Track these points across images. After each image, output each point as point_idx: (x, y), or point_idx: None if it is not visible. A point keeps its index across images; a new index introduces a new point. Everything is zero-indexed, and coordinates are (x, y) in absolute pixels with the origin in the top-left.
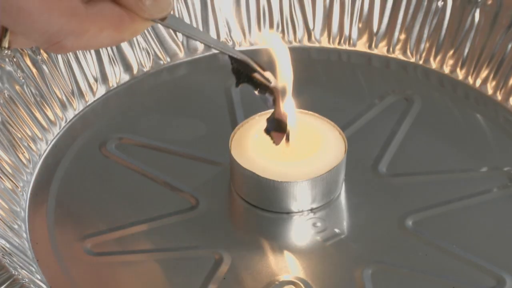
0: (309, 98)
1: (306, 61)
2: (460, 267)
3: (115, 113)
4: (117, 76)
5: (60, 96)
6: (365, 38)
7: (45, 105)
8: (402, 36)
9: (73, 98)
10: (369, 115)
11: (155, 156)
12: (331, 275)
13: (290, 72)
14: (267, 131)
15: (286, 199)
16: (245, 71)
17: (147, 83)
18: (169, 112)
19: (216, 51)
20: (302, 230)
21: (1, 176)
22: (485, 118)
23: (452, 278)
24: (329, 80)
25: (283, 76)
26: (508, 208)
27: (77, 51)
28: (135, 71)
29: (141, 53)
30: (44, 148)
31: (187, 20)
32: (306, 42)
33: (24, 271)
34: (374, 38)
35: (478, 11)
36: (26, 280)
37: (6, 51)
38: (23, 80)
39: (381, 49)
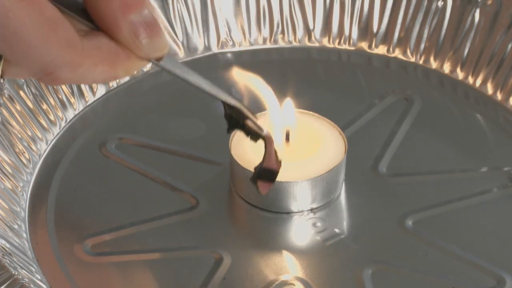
0: (309, 98)
1: (306, 61)
2: (460, 267)
3: (115, 113)
4: None
5: (60, 96)
6: (365, 38)
7: (45, 105)
8: (402, 36)
9: (73, 98)
10: (369, 115)
11: (155, 156)
12: (331, 275)
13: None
14: (253, 180)
15: (286, 199)
16: (237, 117)
17: (147, 83)
18: (169, 112)
19: (216, 51)
20: (302, 230)
21: (1, 176)
22: (485, 118)
23: (452, 278)
24: (329, 80)
25: (263, 96)
26: (508, 208)
27: None
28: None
29: None
30: (44, 148)
31: (187, 20)
32: (306, 42)
33: (24, 271)
34: (374, 38)
35: (478, 11)
36: (26, 280)
37: None
38: (23, 80)
39: (381, 49)
